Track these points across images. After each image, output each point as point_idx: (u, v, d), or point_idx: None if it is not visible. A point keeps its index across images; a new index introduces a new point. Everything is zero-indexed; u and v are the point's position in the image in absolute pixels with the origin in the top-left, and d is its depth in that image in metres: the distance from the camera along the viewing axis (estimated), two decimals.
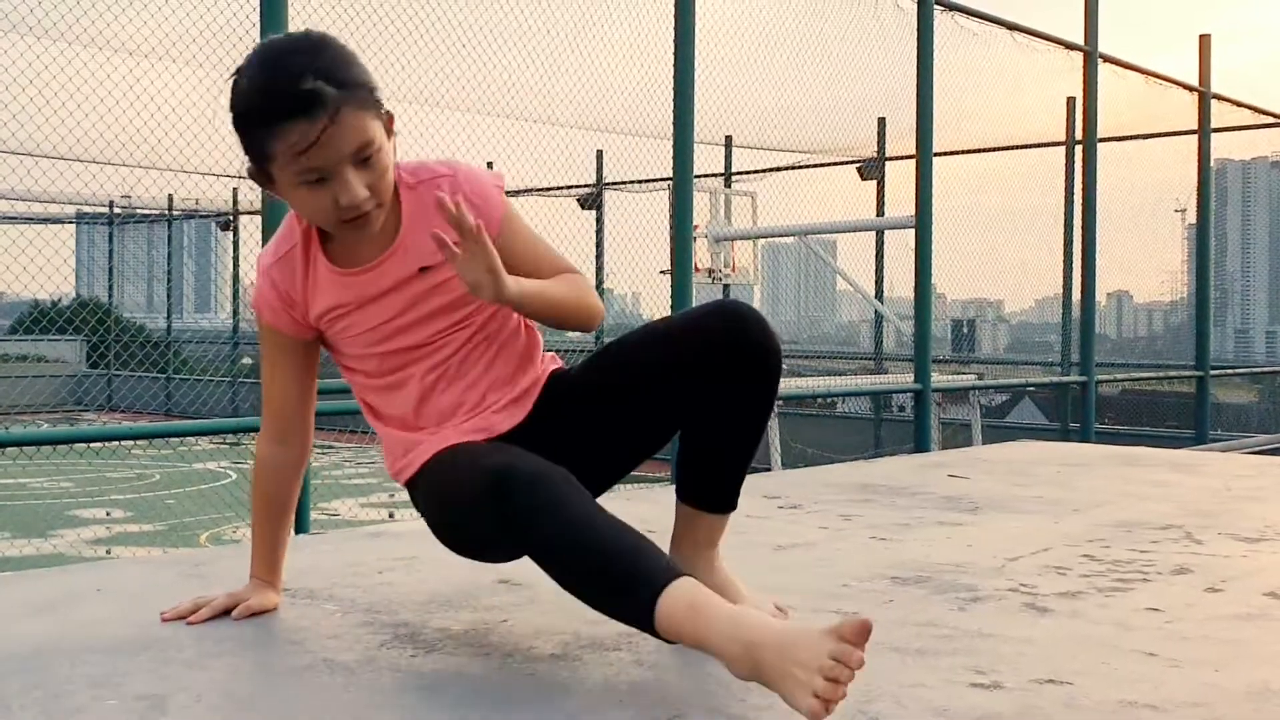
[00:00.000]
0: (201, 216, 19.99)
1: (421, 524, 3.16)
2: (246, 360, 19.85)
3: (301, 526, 4.73)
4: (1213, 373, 10.86)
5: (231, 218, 18.78)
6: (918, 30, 7.33)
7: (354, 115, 1.67)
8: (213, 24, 6.41)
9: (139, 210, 18.90)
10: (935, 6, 7.44)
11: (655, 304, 14.31)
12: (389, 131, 1.77)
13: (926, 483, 3.30)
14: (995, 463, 4.09)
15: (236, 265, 19.22)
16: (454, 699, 1.58)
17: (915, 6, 7.45)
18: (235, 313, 20.04)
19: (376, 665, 1.73)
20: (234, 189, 17.87)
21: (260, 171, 1.74)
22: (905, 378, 7.91)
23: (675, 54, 6.00)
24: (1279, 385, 14.38)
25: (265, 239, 4.39)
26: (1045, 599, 2.15)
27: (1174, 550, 2.60)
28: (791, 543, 2.68)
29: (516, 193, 16.18)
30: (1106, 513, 3.07)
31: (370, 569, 2.36)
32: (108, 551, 9.84)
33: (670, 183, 6.54)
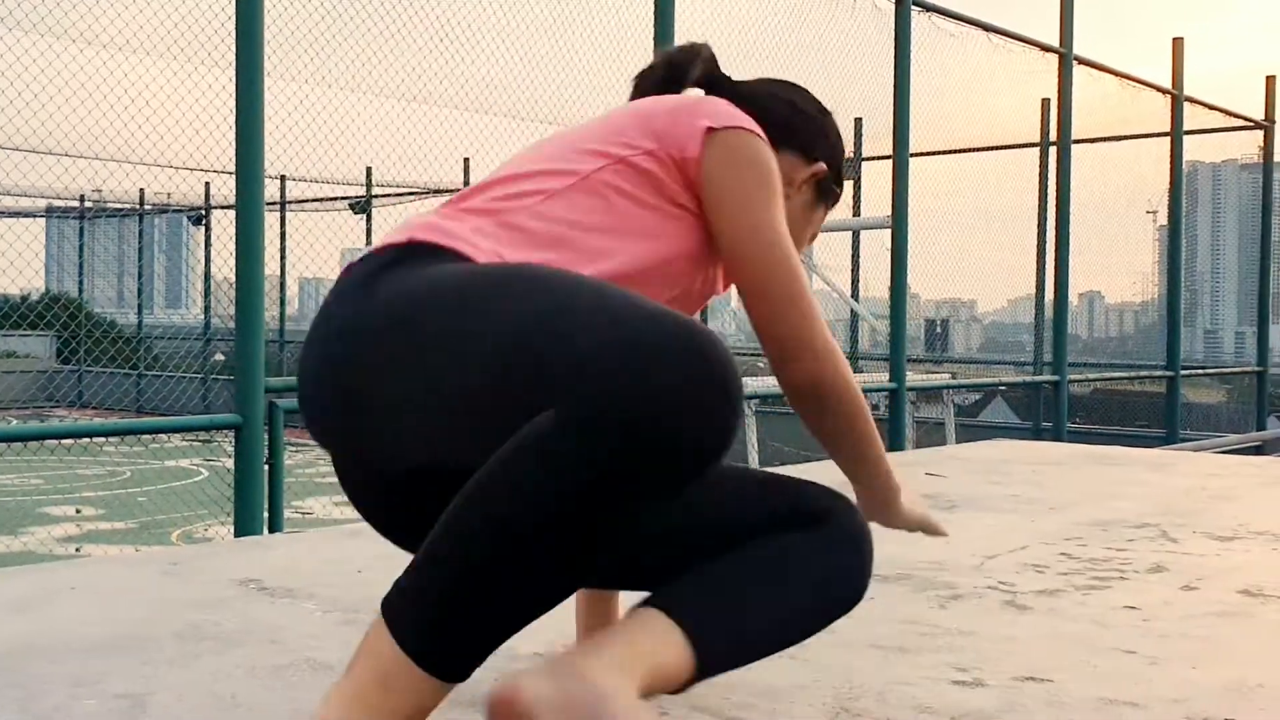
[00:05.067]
0: (173, 211, 19.83)
1: None
2: (219, 357, 19.70)
3: (275, 525, 4.70)
4: (1183, 373, 10.96)
5: (204, 212, 18.63)
6: (895, 31, 7.35)
7: None
8: (186, 16, 6.36)
9: (110, 204, 18.73)
10: (913, 7, 7.47)
11: None
12: None
13: (903, 481, 3.31)
14: (971, 461, 4.11)
15: (208, 260, 19.07)
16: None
17: (893, 7, 7.48)
18: (207, 308, 19.89)
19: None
20: (206, 183, 17.72)
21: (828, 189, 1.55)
22: (880, 377, 7.94)
23: (655, 52, 6.01)
24: (1247, 385, 14.53)
25: (239, 235, 4.36)
26: (1024, 597, 2.17)
27: (1150, 549, 2.62)
28: None
29: None
30: (1082, 511, 3.09)
31: (349, 567, 2.35)
32: (77, 549, 9.75)
33: None
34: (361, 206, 16.87)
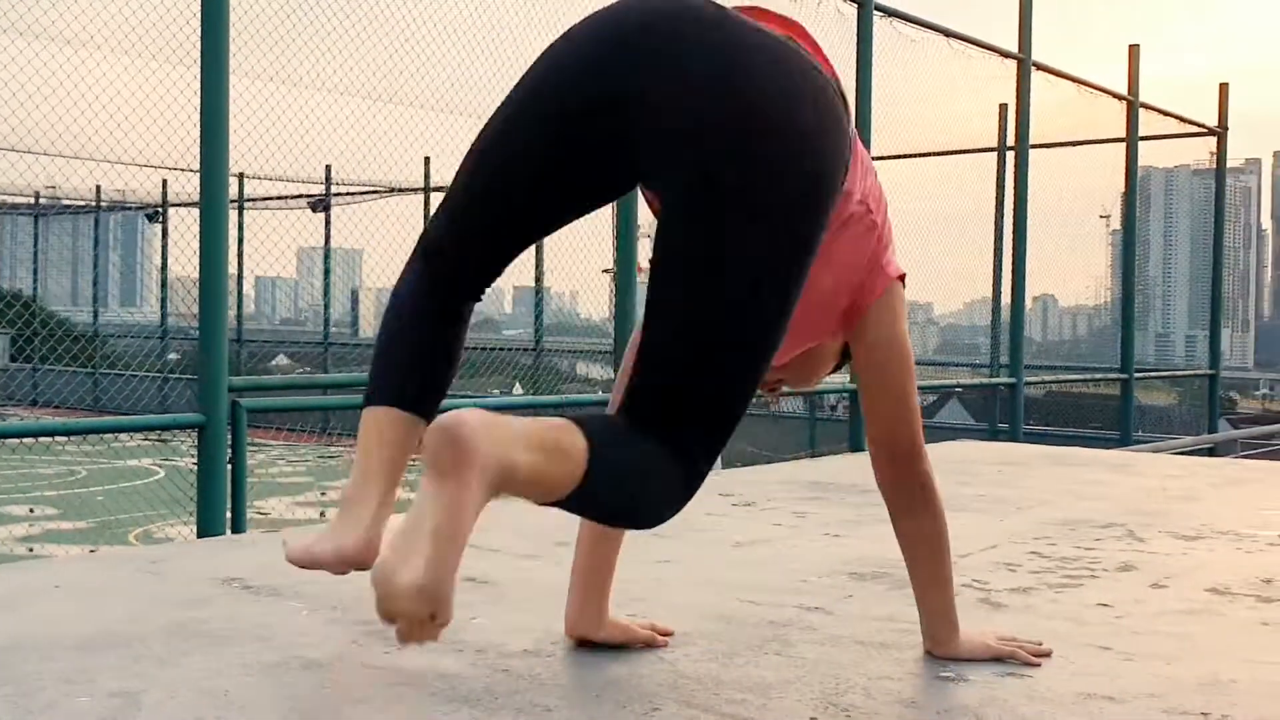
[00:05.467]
0: (129, 208, 19.58)
1: None
2: (173, 355, 19.48)
3: (238, 525, 4.68)
4: (1137, 376, 11.14)
5: (160, 210, 18.42)
6: (857, 35, 7.43)
7: None
8: (139, 10, 6.28)
9: (64, 201, 18.46)
10: (875, 12, 7.54)
11: (593, 302, 14.33)
12: None
13: (869, 479, 3.35)
14: (936, 462, 4.15)
15: (165, 258, 18.85)
16: (433, 695, 1.59)
17: (856, 11, 7.55)
18: (164, 307, 19.65)
19: (349, 662, 1.73)
20: (163, 180, 17.52)
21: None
22: (841, 378, 8.02)
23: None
24: (1197, 388, 14.77)
25: (203, 233, 4.33)
26: (999, 595, 2.21)
27: (1118, 548, 2.68)
28: (749, 539, 2.72)
29: None
30: (1049, 511, 3.16)
31: None
32: (29, 550, 9.60)
33: None
34: (321, 205, 16.76)
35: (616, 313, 6.13)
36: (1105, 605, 2.15)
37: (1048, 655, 1.79)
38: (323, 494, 12.79)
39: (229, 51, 4.40)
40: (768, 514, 3.07)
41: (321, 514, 11.40)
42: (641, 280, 6.33)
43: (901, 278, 1.71)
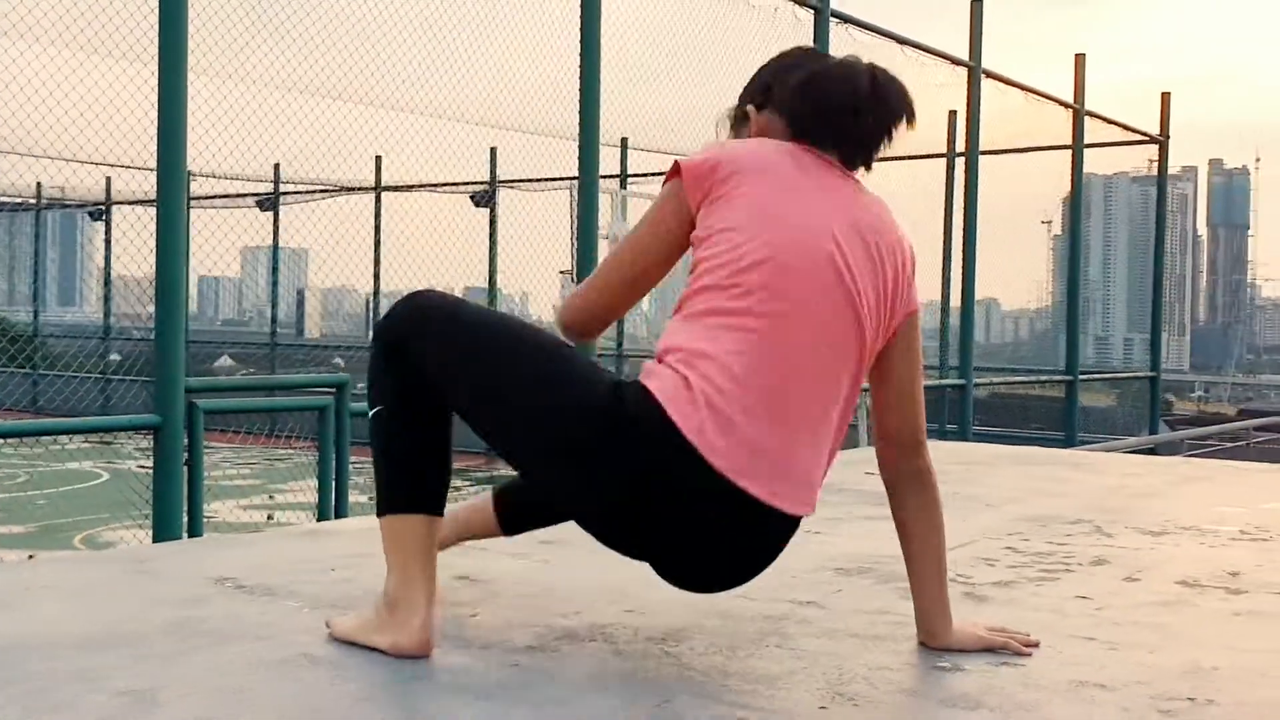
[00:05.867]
0: (69, 206, 19.21)
1: (357, 523, 3.15)
2: (115, 356, 19.14)
3: (195, 529, 4.63)
4: (1081, 378, 11.36)
5: (103, 208, 18.09)
6: (814, 41, 7.52)
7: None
8: (94, 3, 6.18)
9: (1, 198, 18.07)
10: (831, 18, 7.64)
11: (544, 303, 14.33)
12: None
13: (845, 479, 3.42)
14: None
15: (109, 257, 18.52)
16: (446, 688, 1.62)
17: (812, 17, 7.65)
18: (107, 301, 19.31)
19: (358, 657, 1.74)
20: (107, 178, 17.21)
21: None
22: None
23: (581, 56, 6.04)
24: (1136, 390, 15.07)
25: (160, 232, 4.30)
26: (982, 588, 2.28)
27: (1088, 543, 2.76)
28: None
29: (406, 188, 15.98)
30: (1018, 508, 3.24)
31: (321, 566, 2.36)
32: None
33: (573, 183, 6.58)
34: (269, 204, 16.57)
35: None
36: (1084, 598, 2.22)
37: (1036, 645, 1.85)
38: (270, 497, 12.65)
39: (188, 48, 4.37)
40: None
41: (269, 517, 11.27)
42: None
43: None
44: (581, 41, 6.03)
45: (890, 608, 2.09)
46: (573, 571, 2.31)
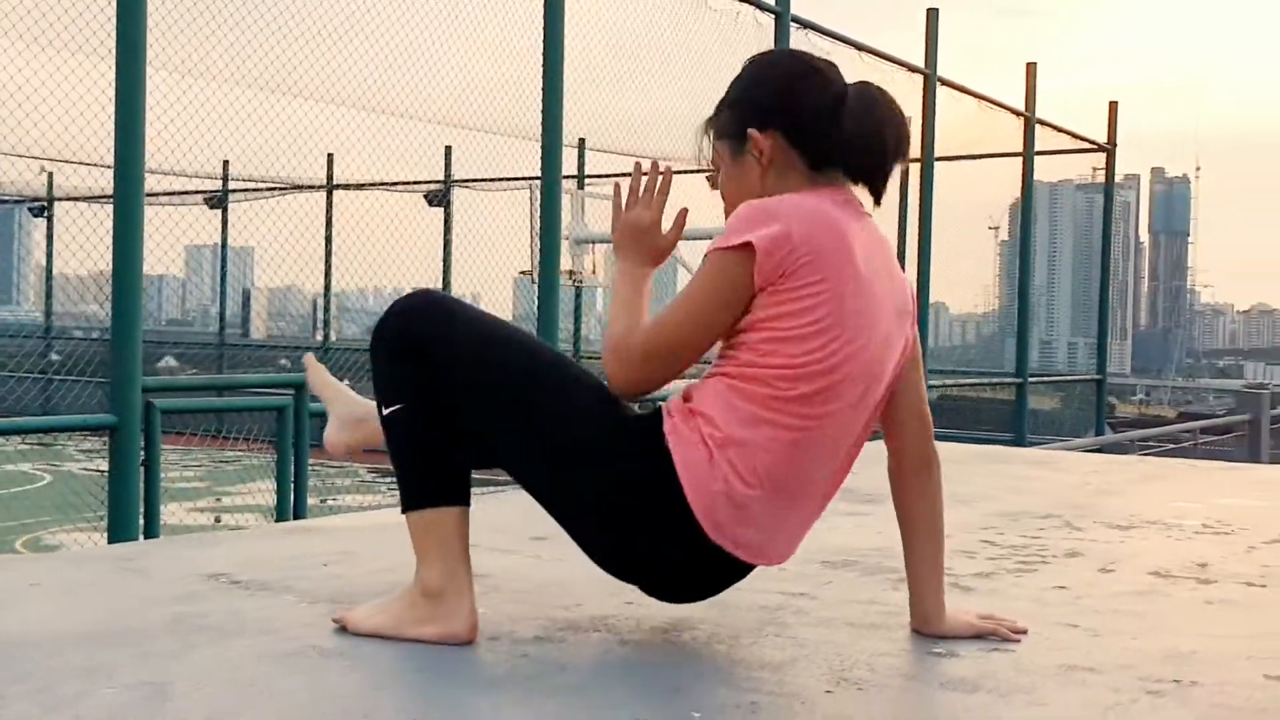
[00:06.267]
0: (6, 201, 18.85)
1: (343, 520, 3.15)
2: (56, 356, 18.80)
3: (151, 530, 4.57)
4: (1031, 380, 11.56)
5: (44, 203, 17.77)
6: (774, 45, 7.60)
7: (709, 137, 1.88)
8: None
9: None
10: (791, 24, 7.73)
11: (495, 304, 14.29)
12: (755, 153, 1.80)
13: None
14: (871, 460, 4.30)
15: (50, 254, 18.19)
16: (458, 678, 1.64)
17: (773, 22, 7.72)
18: (49, 297, 18.95)
19: (365, 649, 1.76)
20: (49, 174, 16.92)
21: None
22: None
23: (545, 55, 6.05)
24: (1079, 393, 15.36)
25: (118, 229, 4.25)
26: (964, 579, 2.34)
27: (1060, 536, 2.84)
28: None
29: (359, 186, 15.88)
30: (990, 504, 3.31)
31: (312, 563, 2.36)
32: None
33: (533, 183, 6.59)
34: (218, 201, 16.38)
35: (540, 316, 6.14)
36: (1063, 588, 2.29)
37: (1024, 632, 1.91)
38: (218, 500, 12.49)
39: (145, 41, 4.33)
40: None
41: (217, 519, 11.13)
42: (560, 282, 6.37)
43: None
44: (545, 40, 6.04)
45: (879, 598, 2.14)
46: (566, 566, 2.33)
